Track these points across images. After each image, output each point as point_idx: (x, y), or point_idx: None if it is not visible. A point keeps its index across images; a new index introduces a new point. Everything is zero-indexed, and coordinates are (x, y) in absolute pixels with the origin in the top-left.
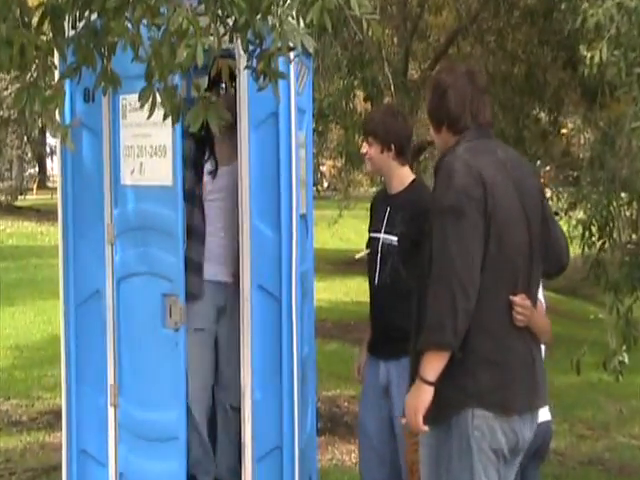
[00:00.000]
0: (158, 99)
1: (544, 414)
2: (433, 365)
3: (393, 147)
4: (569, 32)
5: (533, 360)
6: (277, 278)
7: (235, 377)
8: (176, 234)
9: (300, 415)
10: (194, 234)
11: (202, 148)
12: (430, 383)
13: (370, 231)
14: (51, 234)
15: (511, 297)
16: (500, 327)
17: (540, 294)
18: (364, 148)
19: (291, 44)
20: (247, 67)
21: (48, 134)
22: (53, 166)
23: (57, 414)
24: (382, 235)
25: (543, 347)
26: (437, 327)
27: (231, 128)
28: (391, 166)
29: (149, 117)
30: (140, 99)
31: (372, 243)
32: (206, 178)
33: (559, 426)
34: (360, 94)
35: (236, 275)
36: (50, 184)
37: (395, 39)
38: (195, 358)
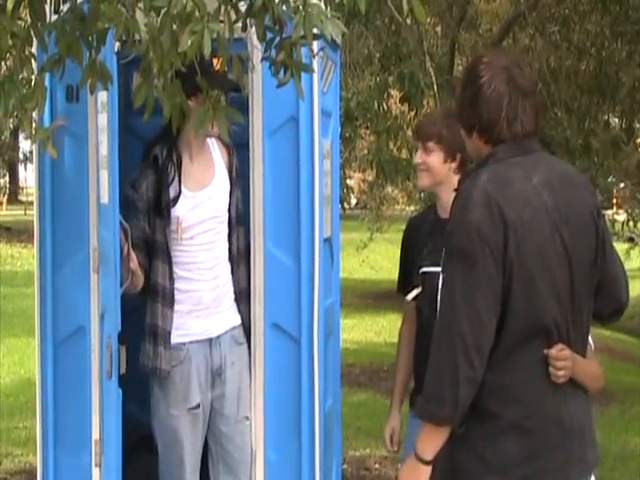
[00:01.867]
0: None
1: None
2: (431, 442)
3: (459, 156)
4: None
5: (569, 424)
6: (296, 315)
7: (243, 447)
8: (111, 259)
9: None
10: (159, 295)
11: (164, 178)
12: (427, 462)
13: (423, 264)
14: (24, 257)
15: (546, 351)
16: (532, 388)
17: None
18: (419, 157)
19: (317, 31)
20: (264, 58)
21: (22, 137)
22: (27, 176)
23: (30, 474)
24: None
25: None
26: (435, 398)
27: (203, 146)
28: (452, 180)
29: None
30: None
31: (427, 279)
32: (176, 214)
33: None
34: (395, 93)
35: (245, 313)
36: (23, 197)
37: (439, 29)
38: (190, 441)
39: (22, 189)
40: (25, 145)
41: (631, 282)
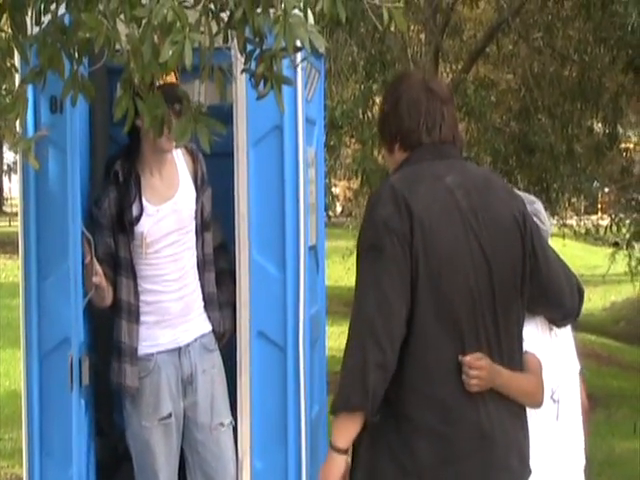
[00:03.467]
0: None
1: None
2: (344, 430)
3: None
4: (632, 27)
5: (487, 430)
6: (282, 323)
7: (219, 455)
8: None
9: None
10: (124, 311)
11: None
12: (341, 451)
13: None
14: (8, 269)
15: (460, 357)
16: (444, 391)
17: (531, 343)
18: None
19: (298, 43)
20: (245, 70)
21: (6, 147)
22: (11, 187)
23: None
24: None
25: (568, 409)
26: (346, 386)
27: (165, 158)
28: None
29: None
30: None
31: None
32: (140, 230)
33: None
34: (380, 101)
35: (214, 319)
36: (7, 208)
37: (423, 36)
38: (163, 451)
39: (6, 200)
40: (9, 156)
41: (616, 287)
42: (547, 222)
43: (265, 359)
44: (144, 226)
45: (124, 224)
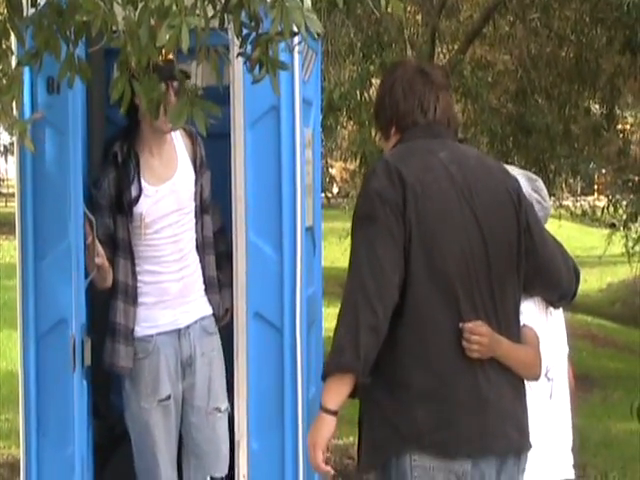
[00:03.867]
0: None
1: (563, 472)
2: (334, 391)
3: None
4: (628, 7)
5: (486, 395)
6: (278, 304)
7: (213, 439)
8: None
9: (306, 469)
10: (120, 292)
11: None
12: (331, 412)
13: None
14: (5, 249)
15: (461, 324)
16: (442, 357)
17: (538, 319)
18: None
19: (294, 27)
20: (240, 54)
21: (2, 129)
22: (8, 168)
23: (13, 467)
24: None
25: (561, 389)
26: (337, 346)
27: (162, 139)
28: None
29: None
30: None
31: None
32: (138, 210)
33: None
34: (377, 82)
35: (214, 302)
36: (4, 189)
37: (419, 17)
38: (162, 433)
39: (2, 181)
40: (5, 137)
41: (613, 268)
42: (548, 200)
43: (262, 340)
44: (143, 206)
45: (123, 205)
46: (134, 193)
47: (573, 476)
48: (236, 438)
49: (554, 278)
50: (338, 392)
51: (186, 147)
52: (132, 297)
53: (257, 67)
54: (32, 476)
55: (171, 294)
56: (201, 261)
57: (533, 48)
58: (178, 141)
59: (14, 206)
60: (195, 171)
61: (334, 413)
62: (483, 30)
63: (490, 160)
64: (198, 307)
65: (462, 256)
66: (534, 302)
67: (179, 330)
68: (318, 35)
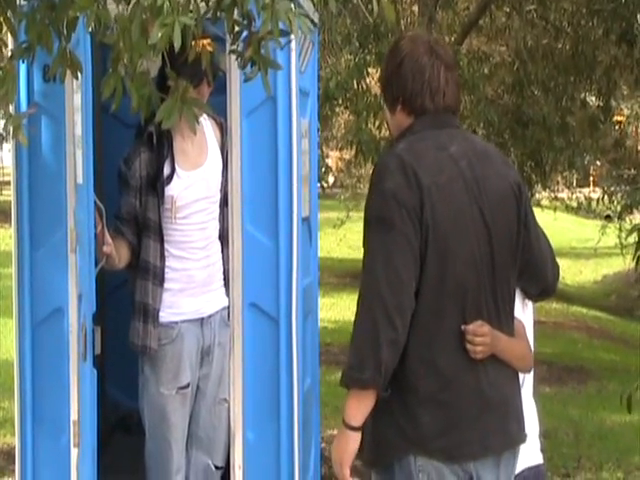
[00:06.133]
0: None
1: (531, 458)
2: (357, 407)
3: None
4: None
5: (488, 396)
6: (274, 295)
7: (218, 428)
8: (86, 240)
9: (301, 459)
10: (150, 273)
11: (160, 154)
12: (355, 428)
13: None
14: (0, 238)
15: (463, 327)
16: (447, 360)
17: (519, 311)
18: None
19: (285, 27)
20: (232, 52)
21: None
22: (3, 156)
23: (8, 455)
24: None
25: (529, 376)
26: (357, 362)
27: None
28: None
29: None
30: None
31: None
32: (170, 193)
33: (612, 474)
34: (374, 72)
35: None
36: None
37: (415, 7)
38: (178, 420)
39: None
40: (0, 124)
41: (608, 260)
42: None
43: (258, 331)
44: (174, 189)
45: (154, 185)
46: (167, 174)
47: (542, 460)
48: (231, 429)
49: (542, 271)
50: (361, 408)
51: (215, 135)
52: (160, 279)
53: (249, 65)
54: (27, 464)
55: (196, 282)
56: (222, 251)
57: (530, 40)
58: (208, 129)
59: (9, 194)
60: (223, 161)
61: (358, 429)
62: (480, 21)
63: (493, 150)
64: (219, 297)
65: (472, 259)
66: (517, 294)
67: (202, 319)
68: (314, 25)
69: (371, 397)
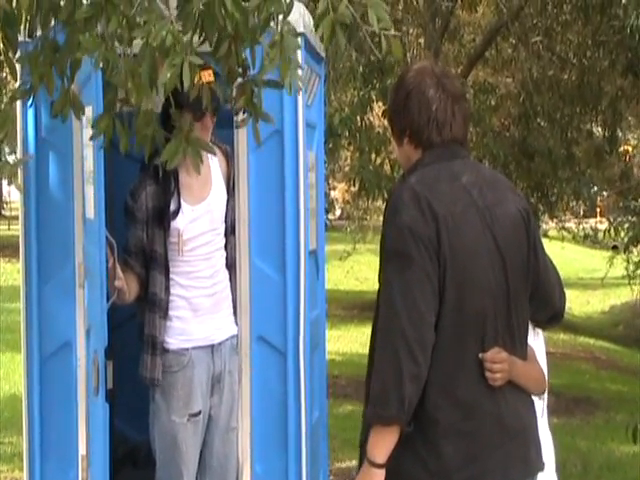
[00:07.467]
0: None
1: None
2: (381, 444)
3: None
4: (631, 30)
5: (509, 423)
6: (282, 328)
7: (229, 457)
8: (97, 274)
9: None
10: (157, 306)
11: (166, 188)
12: (380, 465)
13: None
14: (7, 272)
15: (481, 355)
16: (469, 390)
17: (530, 338)
18: None
19: (279, 79)
20: (226, 101)
21: (6, 151)
22: (11, 191)
23: None
24: None
25: (542, 400)
26: (381, 398)
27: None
28: None
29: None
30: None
31: None
32: (177, 227)
33: None
34: (378, 107)
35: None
36: (7, 212)
37: (422, 40)
38: (190, 447)
39: (6, 204)
40: (8, 159)
41: (615, 290)
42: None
43: (265, 364)
44: (180, 223)
45: (161, 219)
46: (173, 210)
47: None
48: (240, 461)
49: (551, 297)
50: (385, 445)
51: (220, 166)
52: (164, 311)
53: (241, 112)
54: None
55: (203, 309)
56: (230, 280)
57: (535, 71)
58: (213, 160)
59: (17, 229)
60: (227, 192)
61: (382, 466)
62: (486, 53)
63: (502, 178)
64: (229, 325)
65: (488, 287)
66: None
67: (212, 346)
68: (321, 56)
69: (395, 433)
